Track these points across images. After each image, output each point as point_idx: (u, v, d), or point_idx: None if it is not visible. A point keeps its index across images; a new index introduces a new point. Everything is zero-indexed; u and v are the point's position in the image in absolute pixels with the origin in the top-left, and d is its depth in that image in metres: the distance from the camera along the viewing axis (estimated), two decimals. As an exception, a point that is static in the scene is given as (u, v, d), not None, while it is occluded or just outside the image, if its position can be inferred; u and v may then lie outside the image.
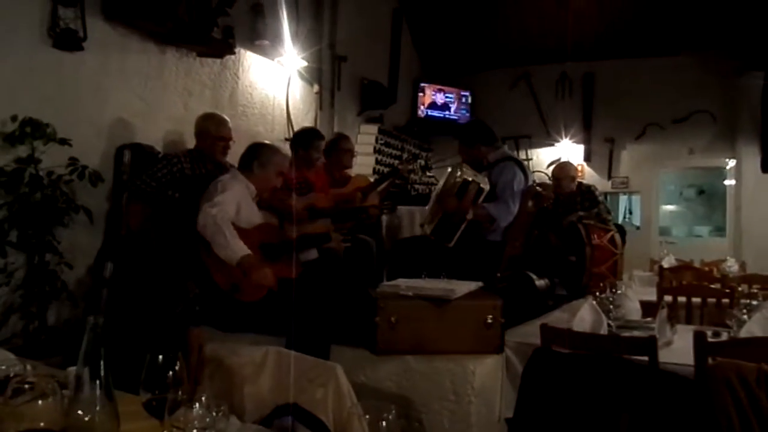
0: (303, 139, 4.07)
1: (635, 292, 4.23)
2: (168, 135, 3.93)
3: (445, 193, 3.48)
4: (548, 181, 6.69)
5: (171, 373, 1.25)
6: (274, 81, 4.98)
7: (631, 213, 8.49)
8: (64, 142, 2.97)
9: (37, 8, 3.06)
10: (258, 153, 2.97)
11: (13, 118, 2.84)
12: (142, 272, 3.30)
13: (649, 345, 2.09)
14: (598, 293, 2.73)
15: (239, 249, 2.64)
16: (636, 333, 2.61)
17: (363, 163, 6.29)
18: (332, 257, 3.10)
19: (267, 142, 3.46)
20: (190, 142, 3.77)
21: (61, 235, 3.08)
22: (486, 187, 3.45)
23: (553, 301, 3.83)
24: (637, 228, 7.66)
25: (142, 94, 3.72)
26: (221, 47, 4.12)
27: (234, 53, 4.34)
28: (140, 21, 3.49)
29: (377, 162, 6.41)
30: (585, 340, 2.18)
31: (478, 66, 7.83)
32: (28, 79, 3.02)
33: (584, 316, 2.45)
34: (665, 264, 5.33)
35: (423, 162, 7.02)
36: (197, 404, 1.15)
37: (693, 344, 1.88)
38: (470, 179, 3.44)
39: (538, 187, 3.61)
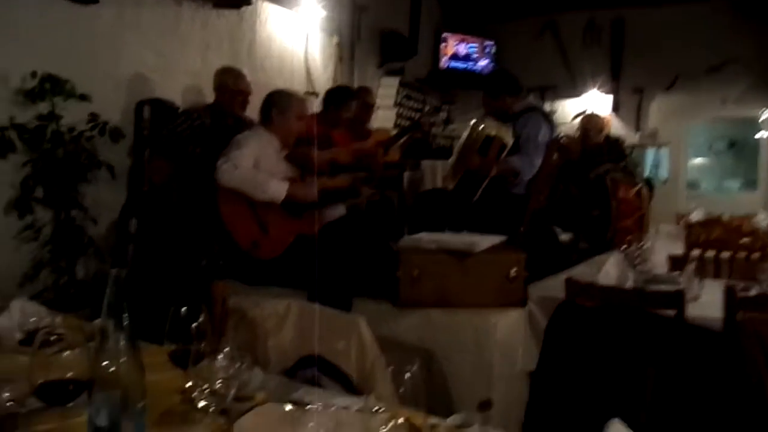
0: (336, 97, 4.02)
1: (661, 247, 4.17)
2: (187, 89, 3.89)
3: (468, 148, 3.41)
4: (573, 134, 6.57)
5: (195, 325, 1.26)
6: (293, 33, 4.88)
7: (657, 166, 8.28)
8: (84, 98, 2.97)
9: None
10: (275, 100, 2.91)
11: (33, 75, 2.83)
12: (167, 227, 3.34)
13: (676, 299, 2.06)
14: (624, 247, 2.68)
15: (280, 185, 2.67)
16: (662, 287, 2.57)
17: (384, 117, 6.19)
18: (354, 211, 3.08)
19: (282, 88, 3.39)
20: (209, 96, 3.74)
21: (85, 191, 3.12)
22: (509, 141, 3.38)
23: (577, 255, 3.79)
24: (664, 182, 7.49)
25: (159, 48, 3.68)
26: (238, -4, 4.04)
27: (251, 3, 4.24)
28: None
29: (398, 115, 6.31)
30: (610, 293, 2.15)
31: (503, 15, 7.55)
32: (44, 34, 3.00)
33: (609, 270, 2.41)
34: (693, 218, 5.22)
35: (445, 115, 6.91)
36: (221, 355, 1.16)
37: (723, 298, 1.84)
38: (493, 134, 3.37)
39: (563, 139, 3.51)
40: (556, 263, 3.37)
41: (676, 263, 2.91)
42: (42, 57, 2.94)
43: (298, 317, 1.59)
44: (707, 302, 2.21)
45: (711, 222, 4.92)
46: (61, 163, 2.91)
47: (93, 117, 3.05)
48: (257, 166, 2.70)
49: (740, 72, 6.55)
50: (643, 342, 1.70)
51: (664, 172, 7.85)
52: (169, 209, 3.32)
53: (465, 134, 3.70)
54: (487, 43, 7.68)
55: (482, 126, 3.43)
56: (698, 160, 8.97)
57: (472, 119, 3.79)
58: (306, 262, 2.63)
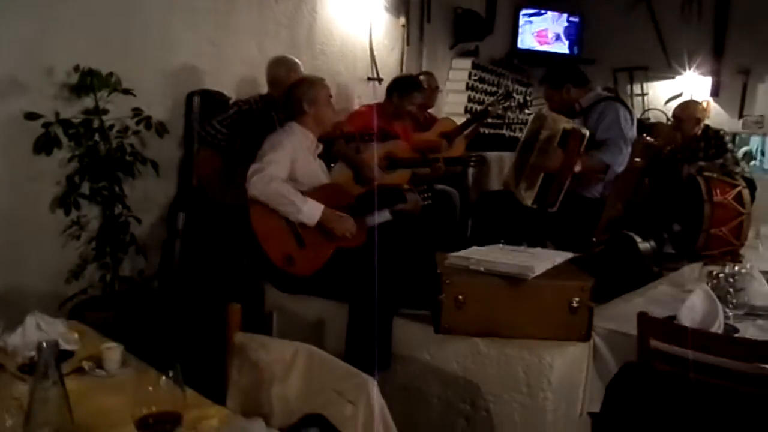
0: (402, 86, 3.77)
1: (762, 257, 3.63)
2: (242, 81, 3.74)
3: (542, 149, 3.01)
4: (666, 121, 5.93)
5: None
6: (356, 15, 4.62)
7: (763, 154, 7.41)
8: (127, 92, 2.87)
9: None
10: (303, 92, 2.65)
11: (76, 69, 2.76)
12: (212, 224, 3.23)
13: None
14: (714, 272, 2.27)
15: (314, 208, 2.44)
16: (760, 322, 2.17)
17: (454, 101, 5.85)
18: (407, 217, 2.82)
19: (300, 76, 3.16)
20: (265, 87, 3.59)
21: (134, 186, 3.05)
22: (587, 132, 2.96)
23: (659, 266, 3.35)
24: (770, 174, 6.68)
25: (212, 37, 3.53)
26: (295, -21, 3.82)
27: (310, -15, 4.02)
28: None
29: (470, 100, 5.92)
30: (692, 338, 1.79)
31: (590, -13, 6.95)
32: (91, 26, 2.91)
33: (695, 304, 2.02)
34: (804, 222, 4.55)
35: (521, 99, 6.45)
36: None
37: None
38: (569, 127, 2.96)
39: (648, 138, 3.06)
40: (633, 279, 2.99)
41: (781, 289, 2.45)
42: (88, 50, 2.87)
43: (306, 367, 1.38)
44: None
45: (828, 228, 4.26)
46: (106, 159, 2.84)
47: (137, 111, 2.95)
48: (293, 169, 2.49)
49: None
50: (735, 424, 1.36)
51: (771, 163, 7.01)
52: (214, 205, 3.21)
53: (526, 131, 3.32)
54: (572, 19, 7.09)
55: (550, 120, 3.04)
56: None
57: (533, 114, 3.38)
58: (346, 276, 2.43)
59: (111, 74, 2.84)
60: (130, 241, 2.95)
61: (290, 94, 2.68)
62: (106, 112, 2.85)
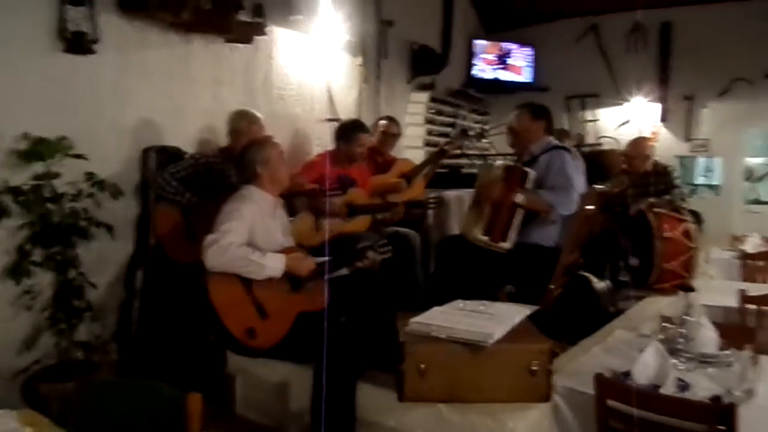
0: (344, 132, 3.80)
1: (713, 287, 3.75)
2: (199, 132, 3.72)
3: (488, 185, 3.15)
4: (617, 147, 6.12)
5: None
6: (313, 58, 4.65)
7: (710, 171, 7.71)
8: (79, 157, 2.81)
9: (45, 10, 2.85)
10: (252, 155, 2.64)
11: (25, 136, 2.70)
12: (172, 283, 3.17)
13: (725, 414, 1.75)
14: (665, 325, 2.36)
15: (276, 260, 2.44)
16: (711, 371, 2.26)
17: (413, 135, 5.94)
18: (365, 272, 2.83)
19: (262, 129, 3.36)
20: (222, 136, 3.58)
21: (89, 248, 2.97)
22: (531, 171, 3.10)
23: (614, 305, 3.45)
24: (717, 193, 6.96)
25: (167, 90, 3.50)
26: (250, 30, 3.81)
27: (265, 34, 4.02)
28: (157, 12, 3.21)
29: (429, 133, 6.03)
30: (644, 398, 1.86)
31: (541, 17, 7.17)
32: (40, 90, 2.86)
33: (648, 360, 2.10)
34: (749, 247, 4.74)
35: (478, 129, 6.58)
36: None
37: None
38: (512, 165, 3.14)
39: (599, 187, 3.17)
40: (589, 320, 3.08)
41: (730, 333, 2.55)
42: (39, 114, 2.82)
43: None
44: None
45: (771, 253, 4.46)
46: (58, 225, 2.77)
47: (89, 175, 2.89)
48: (252, 235, 2.47)
49: (806, 76, 5.99)
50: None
51: (716, 178, 7.30)
52: (172, 263, 3.15)
53: (479, 179, 3.41)
54: (525, 49, 7.30)
55: (499, 162, 3.20)
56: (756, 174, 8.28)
57: (481, 165, 3.51)
58: (308, 340, 2.42)
59: (62, 138, 2.78)
60: (86, 307, 2.87)
61: (242, 158, 2.68)
62: (57, 175, 2.79)
